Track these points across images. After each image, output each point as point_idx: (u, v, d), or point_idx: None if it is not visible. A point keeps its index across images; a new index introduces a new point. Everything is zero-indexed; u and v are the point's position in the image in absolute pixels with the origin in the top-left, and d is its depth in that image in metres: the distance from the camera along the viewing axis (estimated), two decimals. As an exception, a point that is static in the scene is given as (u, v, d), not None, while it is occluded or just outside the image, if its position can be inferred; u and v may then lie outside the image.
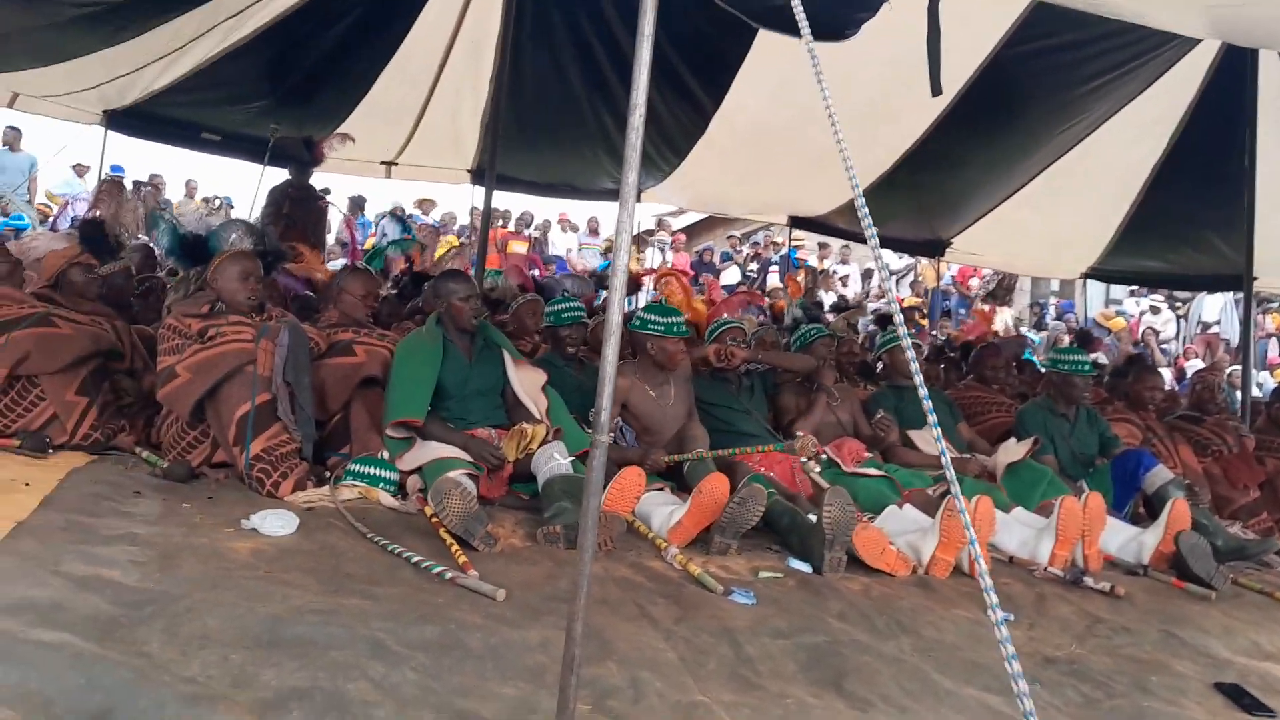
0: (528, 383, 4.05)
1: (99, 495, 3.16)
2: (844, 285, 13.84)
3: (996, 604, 1.53)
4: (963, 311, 12.35)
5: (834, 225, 9.30)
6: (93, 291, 4.27)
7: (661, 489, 3.88)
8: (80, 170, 11.52)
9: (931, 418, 1.61)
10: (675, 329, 4.21)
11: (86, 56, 5.72)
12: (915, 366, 1.64)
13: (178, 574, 2.53)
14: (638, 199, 7.43)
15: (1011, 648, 1.49)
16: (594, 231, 13.79)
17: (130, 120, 7.30)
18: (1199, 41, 5.39)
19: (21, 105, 7.09)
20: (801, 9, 1.89)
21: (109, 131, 7.38)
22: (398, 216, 9.15)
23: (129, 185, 5.64)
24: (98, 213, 4.57)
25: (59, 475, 3.30)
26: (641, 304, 7.66)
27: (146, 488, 3.35)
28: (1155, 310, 12.95)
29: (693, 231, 16.10)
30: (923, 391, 1.64)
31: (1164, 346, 12.64)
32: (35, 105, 7.12)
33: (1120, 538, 4.12)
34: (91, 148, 7.64)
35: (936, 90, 3.77)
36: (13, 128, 11.47)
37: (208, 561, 2.66)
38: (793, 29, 1.88)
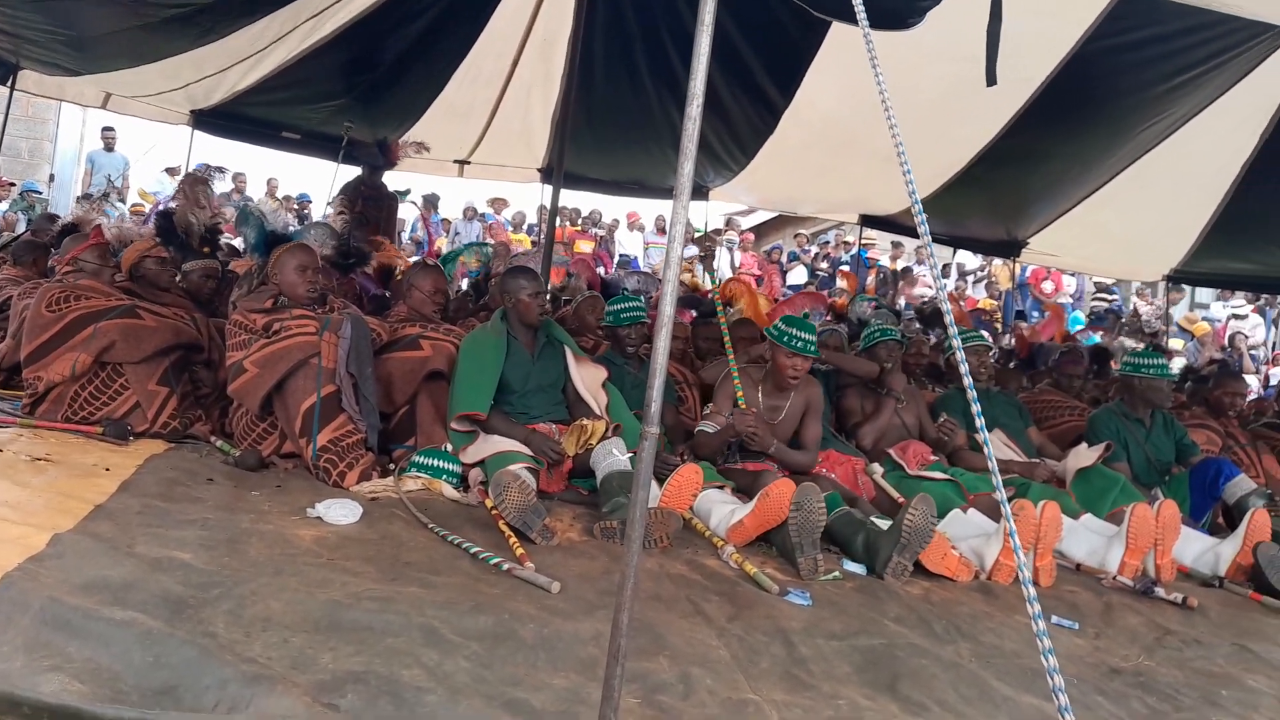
0: (589, 379, 4.09)
1: (174, 481, 3.28)
2: (924, 280, 13.61)
3: (1038, 609, 1.48)
4: (1036, 314, 12.04)
5: (907, 225, 9.13)
6: (165, 281, 4.41)
7: (721, 488, 3.87)
8: (172, 172, 11.97)
9: (980, 421, 1.58)
10: (800, 345, 4.01)
11: (176, 57, 5.92)
12: (965, 369, 1.61)
13: (244, 558, 2.62)
14: (705, 197, 7.40)
15: (1048, 642, 1.46)
16: (662, 230, 13.81)
17: (215, 120, 7.56)
18: (1292, 34, 5.16)
19: (114, 106, 7.40)
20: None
21: (195, 131, 7.67)
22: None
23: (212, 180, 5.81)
24: (174, 205, 4.72)
25: (138, 461, 3.44)
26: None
27: (219, 475, 3.46)
28: (1240, 316, 12.46)
29: (762, 230, 16.02)
30: (972, 394, 1.61)
31: (1253, 352, 12.15)
32: (127, 106, 7.42)
33: (1196, 548, 3.99)
34: (179, 148, 7.93)
35: (991, 80, 3.67)
36: (108, 128, 11.99)
37: (273, 547, 2.74)
38: (851, 17, 1.85)
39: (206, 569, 2.48)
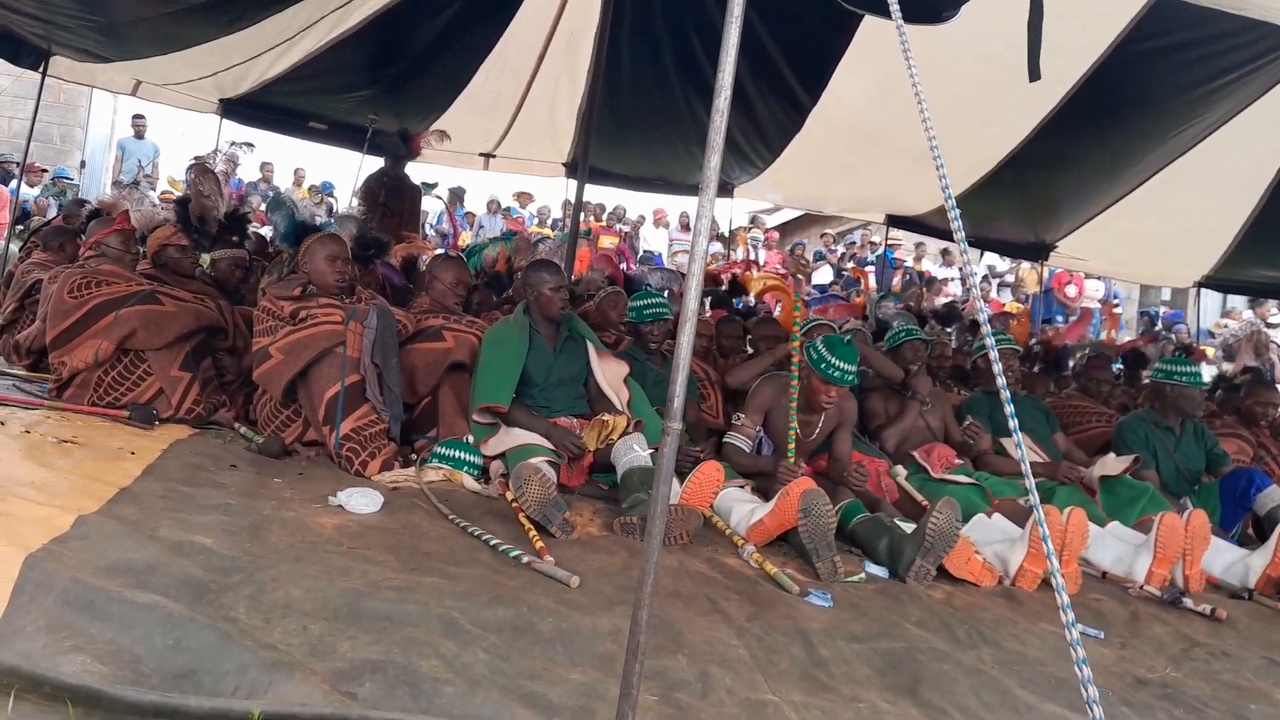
0: (610, 374, 4.07)
1: (198, 466, 3.29)
2: (945, 287, 13.55)
3: (1071, 617, 1.45)
4: (1060, 319, 11.94)
5: (933, 225, 9.06)
6: (186, 267, 4.43)
7: (743, 486, 3.85)
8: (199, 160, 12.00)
9: (1013, 423, 1.55)
10: (838, 376, 3.81)
11: (204, 45, 5.95)
12: (999, 369, 1.58)
13: (266, 544, 2.62)
14: (730, 194, 7.35)
15: (1082, 651, 1.43)
16: (685, 227, 13.78)
17: (244, 109, 7.61)
18: (1329, 42, 5.06)
19: (144, 93, 7.47)
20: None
21: (224, 120, 7.71)
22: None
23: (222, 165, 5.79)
24: (190, 193, 4.75)
25: (162, 446, 3.45)
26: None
27: (242, 461, 3.47)
28: (1273, 325, 12.29)
29: (787, 229, 15.94)
30: (1005, 395, 1.58)
31: (1285, 361, 11.97)
32: (156, 94, 7.49)
33: (1225, 559, 3.92)
34: (209, 136, 7.98)
35: (1034, 75, 3.60)
36: (139, 116, 12.08)
37: (295, 534, 2.75)
38: (884, 10, 1.82)
39: (228, 554, 2.49)
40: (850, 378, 3.82)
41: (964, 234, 1.85)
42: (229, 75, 6.85)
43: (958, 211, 1.65)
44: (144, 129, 12.16)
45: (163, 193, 11.41)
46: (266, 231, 6.73)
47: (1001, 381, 1.62)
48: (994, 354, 1.61)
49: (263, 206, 9.49)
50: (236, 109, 7.59)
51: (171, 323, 4.02)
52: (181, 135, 12.18)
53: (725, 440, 4.07)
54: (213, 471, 3.27)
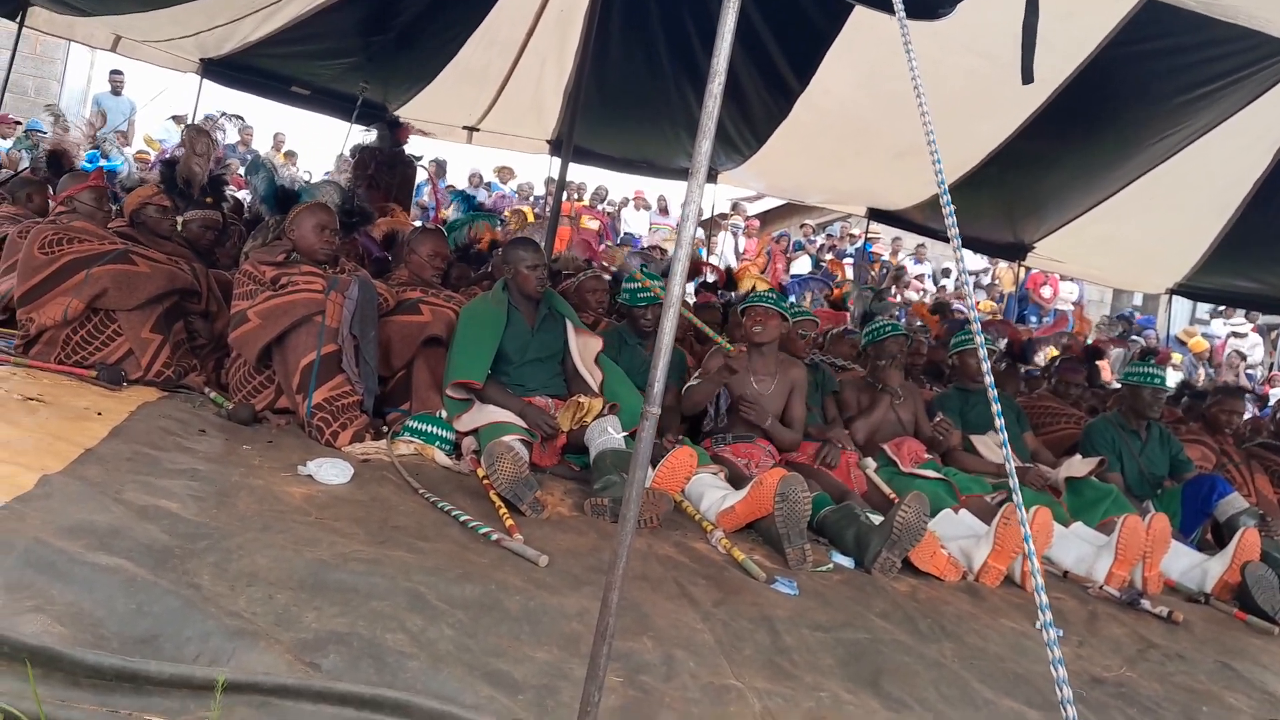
0: (585, 353, 4.06)
1: (166, 430, 3.24)
2: (919, 283, 13.63)
3: (1050, 621, 1.46)
4: (1034, 320, 12.04)
5: (914, 220, 9.09)
6: (165, 229, 4.37)
7: (716, 472, 3.86)
8: (179, 120, 11.81)
9: (999, 421, 1.55)
10: (758, 298, 4.33)
11: (189, 4, 5.84)
12: (987, 367, 1.58)
13: (233, 512, 2.60)
14: (714, 180, 7.36)
15: (1058, 651, 1.44)
16: (664, 210, 13.74)
17: (225, 70, 7.49)
18: (1315, 53, 5.12)
19: (123, 49, 7.33)
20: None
21: (204, 80, 7.58)
22: (466, 195, 9.05)
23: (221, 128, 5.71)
24: (179, 154, 4.68)
25: (130, 408, 3.40)
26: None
27: (211, 427, 3.43)
28: (1239, 334, 12.47)
29: (768, 218, 15.92)
30: (992, 394, 1.58)
31: (1249, 372, 12.16)
32: (136, 50, 7.35)
33: (1184, 563, 3.99)
34: (188, 96, 7.84)
35: (1028, 78, 3.60)
36: (117, 72, 11.84)
37: (262, 502, 2.72)
38: (886, 5, 1.81)
39: (194, 520, 2.46)
40: (775, 303, 4.33)
41: (941, 232, 1.85)
42: (212, 35, 6.74)
43: (952, 208, 1.65)
44: (121, 85, 11.92)
45: (138, 152, 11.21)
46: (243, 195, 6.64)
47: (990, 380, 1.62)
48: (983, 352, 1.61)
49: (241, 170, 9.37)
50: (218, 70, 7.47)
51: (144, 283, 3.95)
52: (160, 93, 11.96)
53: (687, 388, 4.22)
54: (181, 436, 3.23)
